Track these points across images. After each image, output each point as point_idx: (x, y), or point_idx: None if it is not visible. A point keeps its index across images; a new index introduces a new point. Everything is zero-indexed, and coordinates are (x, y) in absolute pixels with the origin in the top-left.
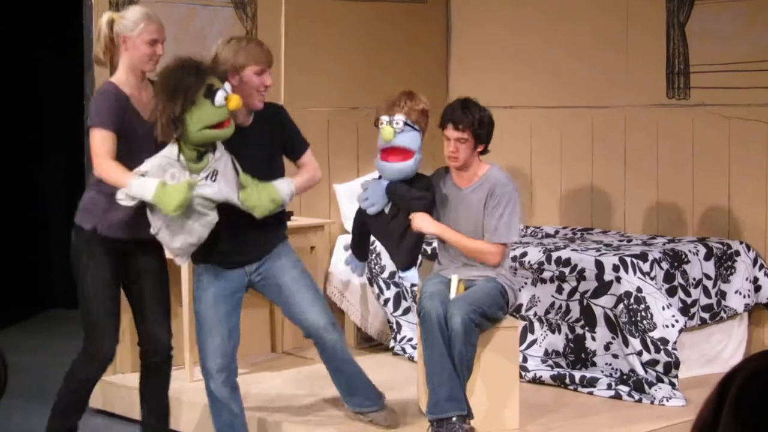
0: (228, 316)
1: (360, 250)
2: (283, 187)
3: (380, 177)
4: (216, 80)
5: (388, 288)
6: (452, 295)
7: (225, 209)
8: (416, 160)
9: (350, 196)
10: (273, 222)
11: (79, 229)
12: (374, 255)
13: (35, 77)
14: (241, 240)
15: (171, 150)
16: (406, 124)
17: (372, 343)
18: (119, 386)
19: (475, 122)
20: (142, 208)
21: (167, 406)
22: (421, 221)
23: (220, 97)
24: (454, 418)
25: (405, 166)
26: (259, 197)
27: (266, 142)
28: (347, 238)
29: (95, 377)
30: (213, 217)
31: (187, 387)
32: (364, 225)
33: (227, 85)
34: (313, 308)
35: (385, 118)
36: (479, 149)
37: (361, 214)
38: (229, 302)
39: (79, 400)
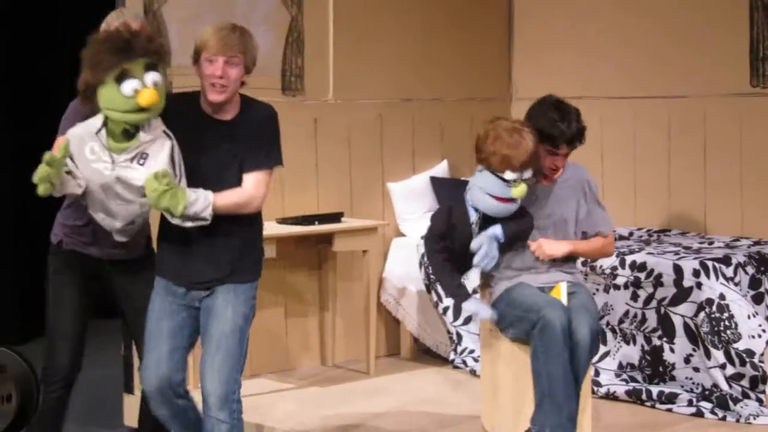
0: (171, 335)
1: (463, 284)
2: (197, 202)
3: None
4: (138, 67)
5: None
6: (564, 302)
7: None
8: None
9: (406, 195)
10: (240, 257)
11: (49, 243)
12: None
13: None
14: (196, 263)
15: (96, 120)
16: None
17: (430, 355)
18: None
19: (584, 138)
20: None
21: None
22: (552, 248)
23: (127, 87)
24: None
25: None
26: (160, 197)
27: (230, 142)
28: (404, 247)
29: (57, 397)
30: (137, 206)
31: None
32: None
33: (150, 77)
34: (213, 374)
35: (515, 176)
36: None
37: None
38: (175, 319)
39: (51, 424)
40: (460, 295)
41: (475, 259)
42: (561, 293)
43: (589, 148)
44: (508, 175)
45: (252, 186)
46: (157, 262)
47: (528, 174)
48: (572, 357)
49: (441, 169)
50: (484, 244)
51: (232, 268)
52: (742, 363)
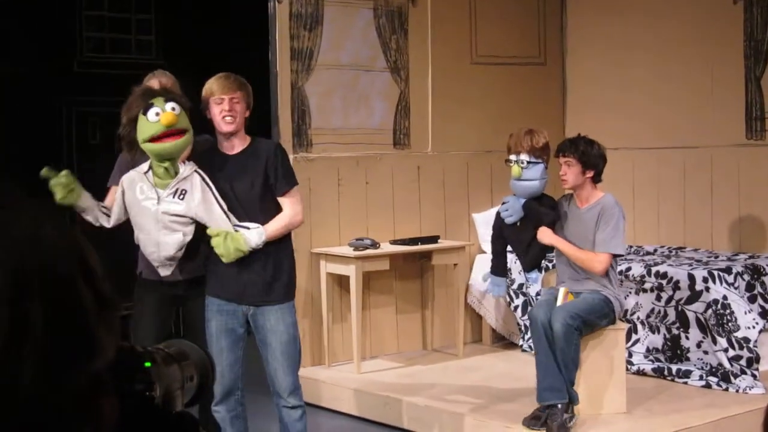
0: (229, 349)
1: (501, 264)
2: (252, 237)
3: (515, 194)
4: (160, 101)
5: (517, 297)
6: (558, 303)
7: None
8: (542, 182)
9: (486, 223)
10: (275, 274)
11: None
12: None
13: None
14: (240, 280)
15: (143, 166)
16: (529, 162)
17: (504, 342)
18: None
19: (578, 151)
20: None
21: None
22: (542, 233)
23: (151, 114)
24: (559, 405)
25: (532, 185)
26: (225, 245)
27: (250, 171)
28: (484, 261)
29: None
30: (180, 235)
31: (354, 377)
32: (501, 233)
33: (169, 105)
34: (279, 374)
35: (512, 158)
36: (588, 174)
37: (498, 223)
38: (231, 336)
39: None
40: (493, 265)
41: (500, 209)
42: (559, 295)
43: (625, 185)
44: (510, 160)
45: (290, 207)
46: (207, 285)
47: (522, 157)
48: (555, 344)
49: None
50: (510, 201)
51: (270, 288)
52: (741, 347)
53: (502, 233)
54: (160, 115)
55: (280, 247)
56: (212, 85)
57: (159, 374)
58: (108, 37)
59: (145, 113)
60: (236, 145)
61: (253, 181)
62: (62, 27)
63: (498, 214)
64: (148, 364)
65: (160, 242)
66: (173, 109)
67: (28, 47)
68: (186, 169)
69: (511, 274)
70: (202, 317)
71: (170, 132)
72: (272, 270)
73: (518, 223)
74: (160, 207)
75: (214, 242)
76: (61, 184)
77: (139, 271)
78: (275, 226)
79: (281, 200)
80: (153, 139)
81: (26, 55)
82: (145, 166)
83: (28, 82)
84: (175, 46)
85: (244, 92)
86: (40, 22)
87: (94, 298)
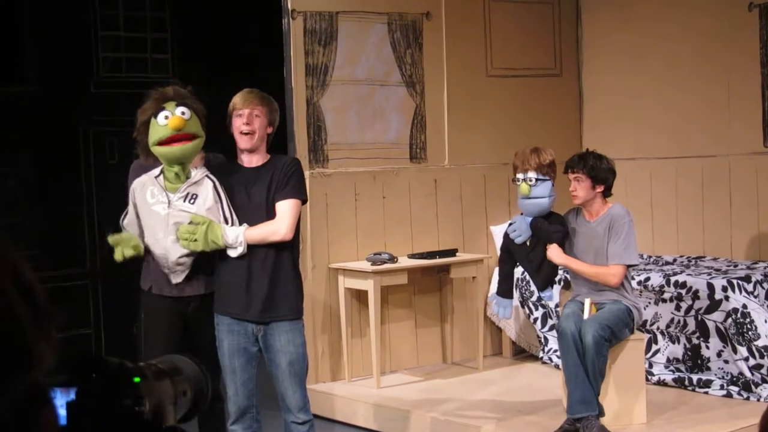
0: (243, 368)
1: (507, 286)
2: (230, 233)
3: (522, 214)
4: (171, 105)
5: (537, 309)
6: (585, 315)
7: (238, 265)
8: (551, 199)
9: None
10: (280, 288)
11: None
12: (524, 282)
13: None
14: (245, 295)
15: (155, 170)
16: (537, 179)
17: (524, 354)
18: (320, 393)
19: (587, 166)
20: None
21: None
22: (552, 252)
23: (161, 117)
24: (591, 417)
25: (542, 202)
26: (202, 231)
27: (266, 183)
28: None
29: None
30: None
31: (374, 391)
32: (510, 255)
33: (179, 109)
34: (288, 392)
35: (520, 176)
36: (599, 189)
37: (506, 243)
38: (243, 355)
39: None
40: (499, 287)
41: (508, 229)
42: (584, 308)
43: (642, 195)
44: (517, 179)
45: (280, 218)
46: (216, 304)
47: (530, 175)
48: (585, 355)
49: None
50: (517, 221)
51: (276, 303)
52: (761, 356)
53: (510, 255)
54: (169, 118)
55: (284, 262)
56: (235, 99)
57: (149, 389)
58: (124, 57)
59: (156, 116)
60: (255, 161)
61: (263, 189)
62: (78, 47)
63: (505, 235)
64: (137, 379)
65: (167, 247)
66: (183, 113)
67: (44, 68)
68: (197, 173)
69: (530, 286)
70: (210, 334)
71: (179, 136)
72: (276, 284)
73: (528, 243)
74: (170, 210)
75: (191, 227)
76: (129, 244)
77: (149, 286)
78: (255, 232)
79: (277, 206)
80: (161, 143)
81: (43, 75)
82: (156, 170)
83: (44, 102)
84: (191, 64)
85: (266, 108)
86: (57, 43)
87: (30, 310)
